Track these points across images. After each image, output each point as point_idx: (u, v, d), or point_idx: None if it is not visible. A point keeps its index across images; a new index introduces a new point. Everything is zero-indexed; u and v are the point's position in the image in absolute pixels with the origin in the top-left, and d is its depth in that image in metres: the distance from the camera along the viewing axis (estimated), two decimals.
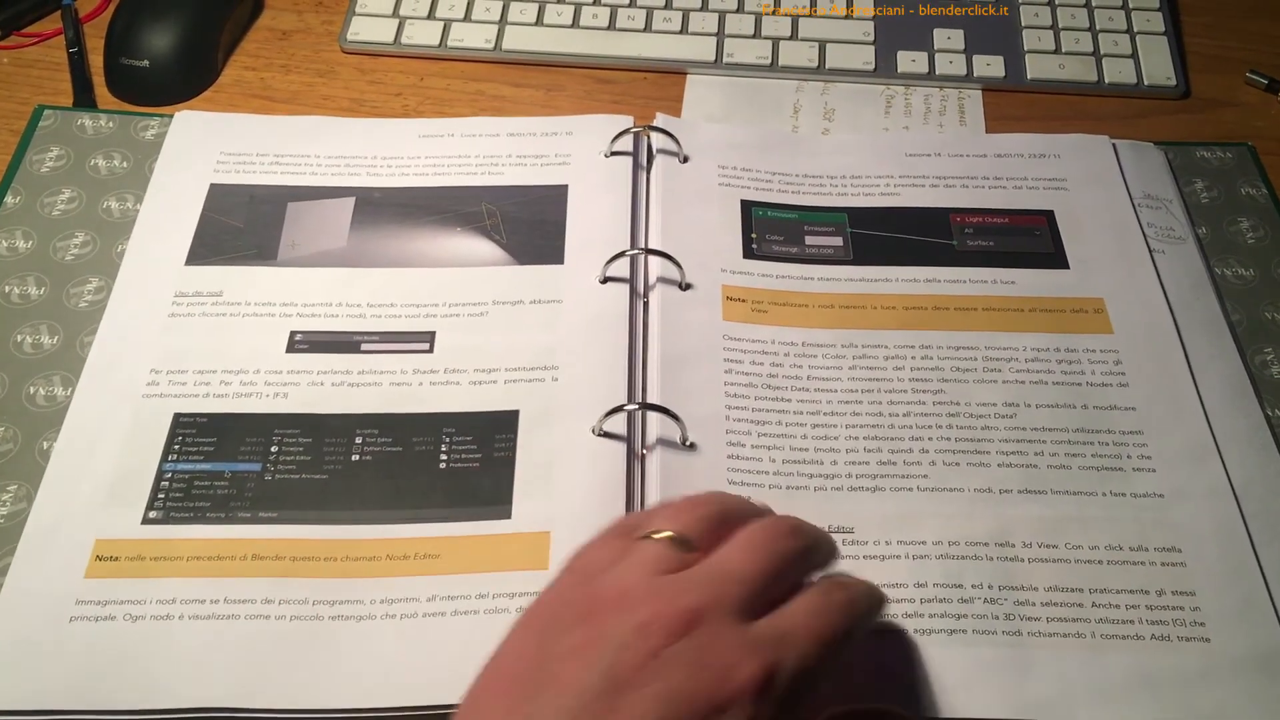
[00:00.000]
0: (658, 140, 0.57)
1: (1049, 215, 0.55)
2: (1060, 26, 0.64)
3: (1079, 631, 0.41)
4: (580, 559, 0.35)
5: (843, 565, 0.37)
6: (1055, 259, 0.53)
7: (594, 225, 0.53)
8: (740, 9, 0.65)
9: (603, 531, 0.36)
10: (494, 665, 0.33)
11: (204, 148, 0.56)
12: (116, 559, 0.42)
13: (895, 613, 0.41)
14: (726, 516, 0.36)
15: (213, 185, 0.55)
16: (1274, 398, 0.48)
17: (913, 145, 0.58)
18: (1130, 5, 0.65)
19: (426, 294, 0.51)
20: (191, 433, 0.46)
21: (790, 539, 0.35)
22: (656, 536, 0.34)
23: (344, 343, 0.49)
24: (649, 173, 0.56)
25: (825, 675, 0.33)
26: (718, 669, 0.30)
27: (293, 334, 0.49)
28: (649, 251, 0.51)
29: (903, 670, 0.40)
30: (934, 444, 0.46)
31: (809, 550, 0.36)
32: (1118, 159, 0.57)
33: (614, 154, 0.56)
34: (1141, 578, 0.42)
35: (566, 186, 0.55)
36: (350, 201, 0.54)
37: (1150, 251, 0.53)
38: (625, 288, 0.51)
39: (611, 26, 0.64)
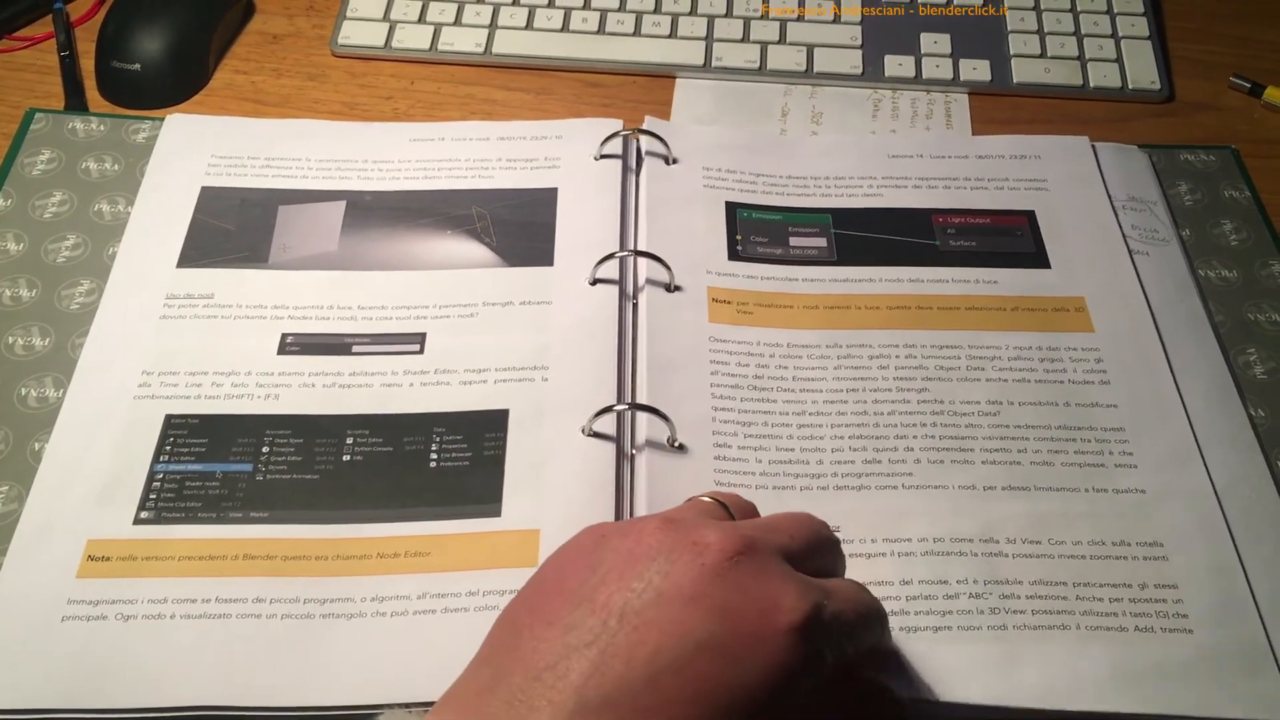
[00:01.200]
0: (646, 143, 0.57)
1: (1030, 215, 0.55)
2: (1046, 31, 0.65)
3: (1063, 624, 0.41)
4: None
5: None
6: (1036, 258, 0.53)
7: (583, 228, 0.54)
8: (729, 13, 0.65)
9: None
10: (535, 584, 0.33)
11: (195, 151, 0.57)
12: (108, 559, 0.42)
13: None
14: (754, 509, 0.38)
15: (204, 188, 0.55)
16: (1256, 397, 0.49)
17: (895, 147, 0.59)
18: (1115, 10, 0.66)
19: (417, 296, 0.51)
20: (183, 434, 0.46)
21: (825, 528, 0.37)
22: (703, 499, 0.36)
23: (335, 345, 0.49)
24: (638, 175, 0.57)
25: (855, 643, 0.33)
26: (768, 596, 0.30)
27: (284, 336, 0.49)
28: (638, 253, 0.52)
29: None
30: (919, 442, 0.46)
31: (838, 545, 0.37)
32: (1097, 159, 0.58)
33: (603, 157, 0.57)
34: (1124, 572, 0.42)
35: (556, 189, 0.55)
36: (341, 205, 0.55)
37: (1130, 250, 0.54)
38: (614, 289, 0.51)
39: (601, 30, 0.65)
